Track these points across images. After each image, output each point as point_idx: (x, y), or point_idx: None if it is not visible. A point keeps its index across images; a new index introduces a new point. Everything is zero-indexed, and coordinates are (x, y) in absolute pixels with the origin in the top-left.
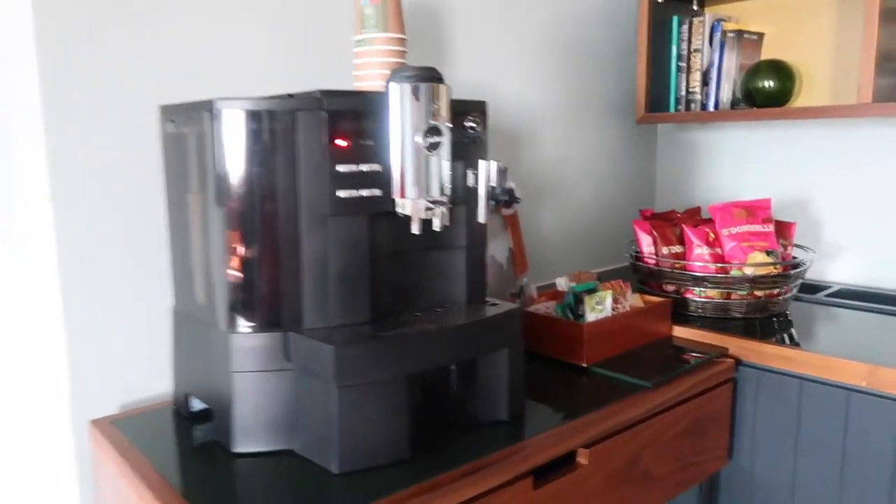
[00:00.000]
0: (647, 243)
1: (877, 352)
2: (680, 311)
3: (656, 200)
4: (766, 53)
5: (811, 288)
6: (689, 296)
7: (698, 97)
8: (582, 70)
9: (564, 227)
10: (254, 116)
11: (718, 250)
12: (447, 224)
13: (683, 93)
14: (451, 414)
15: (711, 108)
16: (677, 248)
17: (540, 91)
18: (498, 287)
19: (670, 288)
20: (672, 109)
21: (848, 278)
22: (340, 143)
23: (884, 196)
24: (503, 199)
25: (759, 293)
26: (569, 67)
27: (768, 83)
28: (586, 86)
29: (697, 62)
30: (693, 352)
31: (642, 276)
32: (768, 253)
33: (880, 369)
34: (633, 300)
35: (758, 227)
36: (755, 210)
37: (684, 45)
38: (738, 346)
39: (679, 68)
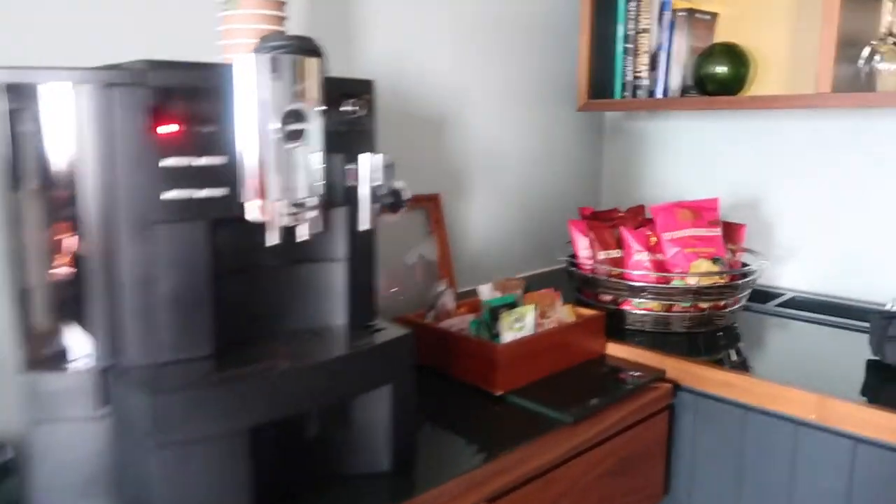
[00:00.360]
0: (583, 246)
1: (829, 378)
2: (617, 325)
3: (602, 196)
4: (720, 36)
5: (762, 296)
6: (626, 307)
7: (646, 83)
8: (521, 49)
9: (497, 225)
10: (44, 92)
11: (660, 256)
12: (320, 231)
13: (630, 78)
14: (317, 464)
15: (660, 94)
16: (615, 253)
17: (471, 70)
18: (418, 298)
19: (607, 298)
20: (618, 96)
21: (802, 285)
22: (167, 129)
23: (841, 196)
24: (387, 201)
25: (703, 305)
26: (505, 45)
27: (721, 69)
28: (526, 67)
29: (645, 44)
30: (627, 372)
31: (577, 284)
32: (714, 261)
33: (832, 401)
34: (563, 313)
35: (703, 231)
36: (701, 211)
37: (631, 25)
38: (677, 368)
39: (626, 50)
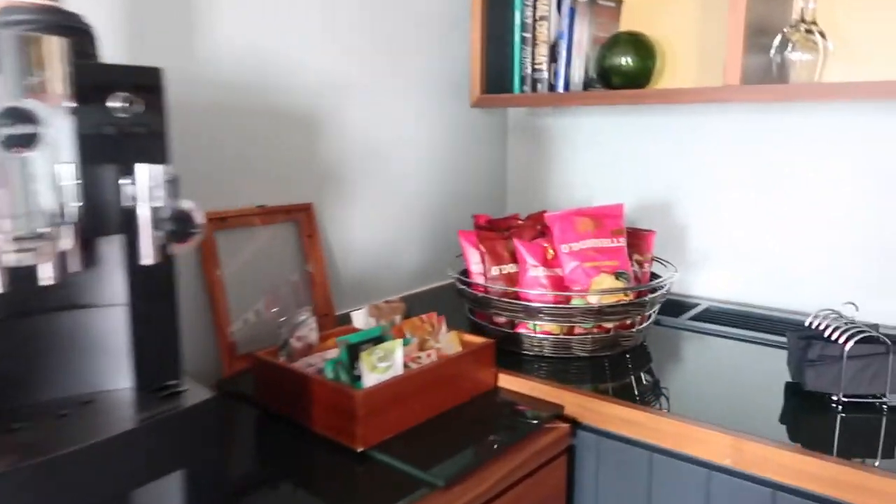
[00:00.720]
0: (475, 260)
1: (745, 409)
2: (512, 351)
3: (508, 201)
4: (625, 25)
5: (675, 307)
6: (522, 330)
7: (545, 75)
8: (411, 39)
9: (387, 237)
10: None
11: (559, 271)
12: (76, 271)
13: (529, 70)
14: None
15: (561, 88)
16: (510, 268)
17: (352, 62)
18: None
19: (501, 320)
20: (517, 90)
21: (717, 293)
22: None
23: (756, 196)
24: (168, 227)
25: (608, 325)
26: (392, 34)
27: (626, 60)
28: (417, 59)
29: (544, 33)
30: (519, 412)
31: (469, 303)
32: (618, 276)
33: (748, 443)
34: (447, 342)
35: (605, 242)
36: (603, 219)
37: (528, 13)
38: (577, 403)
39: (523, 40)
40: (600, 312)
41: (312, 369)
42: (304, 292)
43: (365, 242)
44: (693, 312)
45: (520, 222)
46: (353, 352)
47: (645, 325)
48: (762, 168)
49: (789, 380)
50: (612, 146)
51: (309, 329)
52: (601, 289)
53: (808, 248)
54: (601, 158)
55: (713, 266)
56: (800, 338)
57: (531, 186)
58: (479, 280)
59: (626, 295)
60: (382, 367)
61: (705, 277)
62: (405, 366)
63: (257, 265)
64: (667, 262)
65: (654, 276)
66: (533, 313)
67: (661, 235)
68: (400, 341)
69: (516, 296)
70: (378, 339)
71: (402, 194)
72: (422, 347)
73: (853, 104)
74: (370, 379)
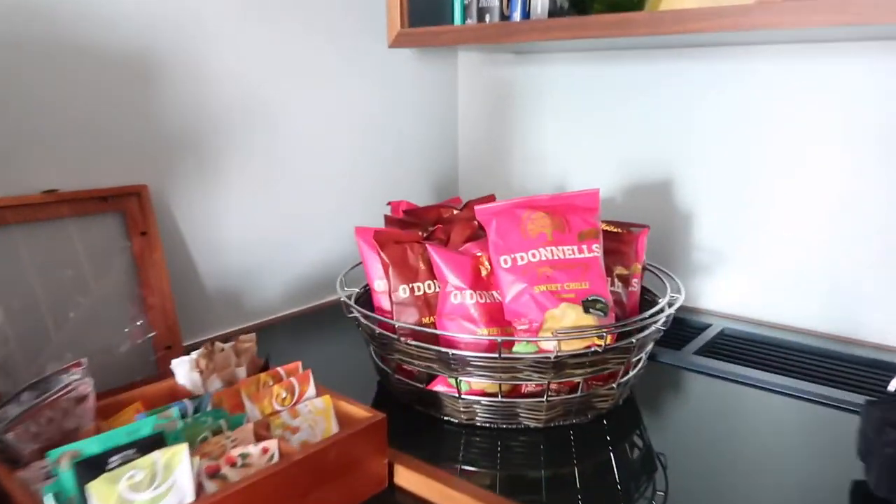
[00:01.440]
0: (377, 275)
1: None
2: (426, 420)
3: (459, 182)
4: None
5: (677, 329)
6: (441, 388)
7: (496, 2)
8: None
9: (267, 234)
10: None
11: (498, 295)
12: None
13: None
14: None
15: (517, 18)
16: (426, 288)
17: None
18: (128, 362)
19: (411, 370)
20: (458, 21)
21: (734, 305)
22: None
23: (789, 173)
24: None
25: (576, 379)
26: None
27: None
28: None
29: None
30: None
31: (367, 341)
32: (588, 306)
33: None
34: (314, 414)
35: (570, 252)
36: (567, 214)
37: None
38: None
39: None
40: (561, 366)
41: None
42: (134, 314)
43: (239, 240)
44: (702, 340)
45: (455, 213)
46: (92, 473)
47: (631, 374)
48: (795, 130)
49: (860, 477)
50: (592, 104)
51: (81, 392)
52: (561, 329)
53: (874, 245)
54: (578, 122)
55: (730, 268)
56: (876, 411)
57: (488, 161)
58: (385, 303)
59: (602, 339)
60: (145, 500)
61: (718, 285)
62: (211, 479)
63: (48, 285)
64: (664, 271)
65: (646, 294)
66: (455, 364)
67: (657, 230)
68: (183, 449)
69: (431, 335)
70: (154, 442)
71: (296, 173)
72: (267, 428)
73: None
74: None
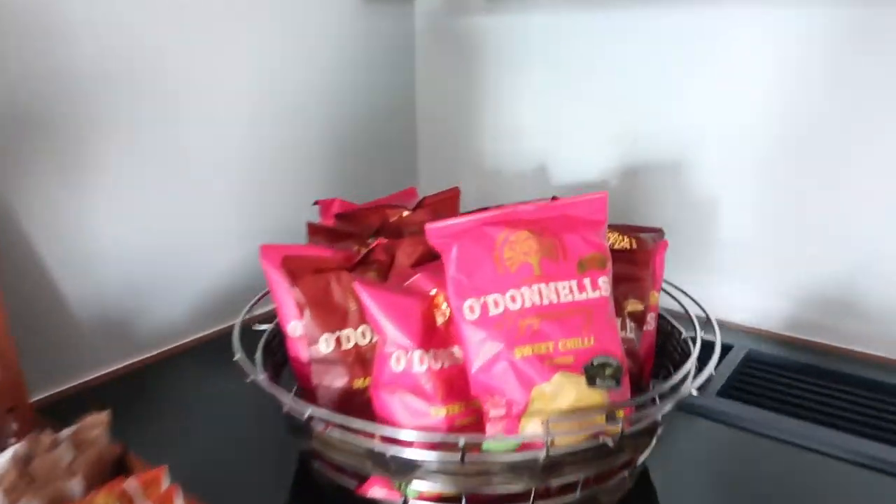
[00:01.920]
0: (291, 314)
1: None
2: None
3: (419, 164)
4: None
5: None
6: (378, 494)
7: None
8: None
9: (158, 239)
10: None
11: (459, 353)
12: None
13: None
14: None
15: None
16: (359, 337)
17: None
18: None
19: (339, 468)
20: None
21: (762, 317)
22: None
23: (831, 145)
24: None
25: (575, 479)
26: None
27: None
28: None
29: None
30: None
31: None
32: (596, 375)
33: None
34: None
35: (566, 292)
36: (562, 231)
37: None
38: None
39: None
40: (555, 467)
41: None
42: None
43: (122, 251)
44: (725, 371)
45: (405, 215)
46: None
47: (647, 453)
48: (851, 96)
49: None
50: (580, 64)
51: None
52: (556, 415)
53: None
54: (565, 86)
55: (754, 271)
56: None
57: (452, 138)
58: (304, 353)
59: (616, 426)
60: None
61: (740, 292)
62: None
63: None
64: (681, 290)
65: (663, 324)
66: (398, 467)
67: (660, 222)
68: None
69: (360, 417)
70: None
71: (200, 159)
72: None
73: None
74: None
